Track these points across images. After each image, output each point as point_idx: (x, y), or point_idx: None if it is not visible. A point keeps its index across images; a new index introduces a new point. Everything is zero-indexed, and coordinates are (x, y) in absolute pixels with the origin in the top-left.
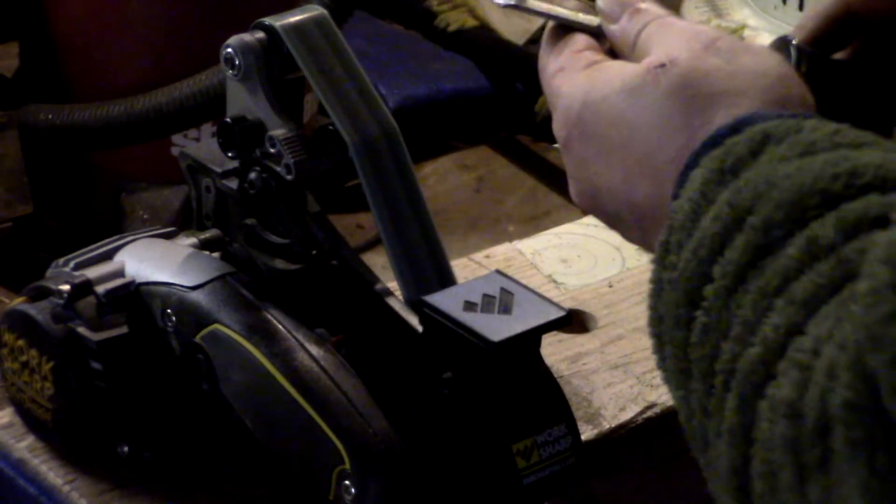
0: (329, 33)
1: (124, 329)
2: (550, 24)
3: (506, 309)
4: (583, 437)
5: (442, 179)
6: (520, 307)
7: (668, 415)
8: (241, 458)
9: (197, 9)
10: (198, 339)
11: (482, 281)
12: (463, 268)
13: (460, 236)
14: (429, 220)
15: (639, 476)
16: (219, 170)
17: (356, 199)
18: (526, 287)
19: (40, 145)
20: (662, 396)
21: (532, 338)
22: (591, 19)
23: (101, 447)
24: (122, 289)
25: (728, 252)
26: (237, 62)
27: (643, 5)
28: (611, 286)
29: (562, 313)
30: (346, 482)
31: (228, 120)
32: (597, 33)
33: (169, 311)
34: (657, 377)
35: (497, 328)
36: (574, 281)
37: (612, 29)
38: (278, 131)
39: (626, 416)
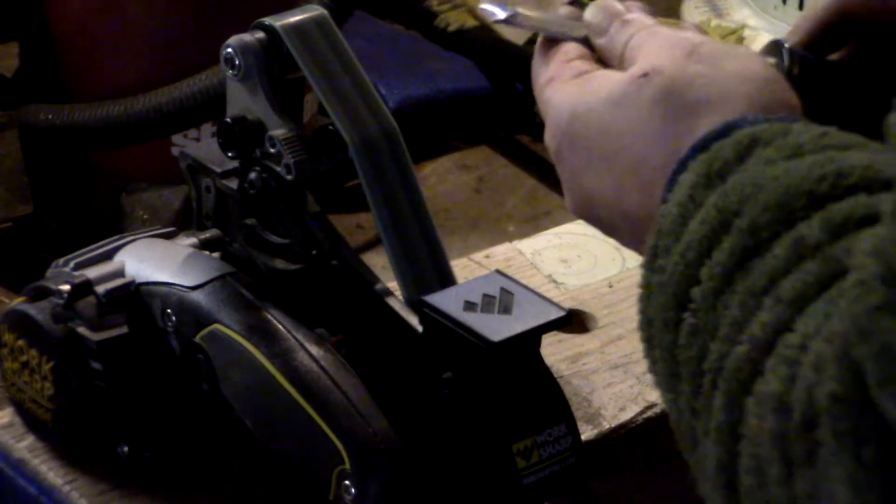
0: (329, 33)
1: (124, 329)
2: (543, 34)
3: (506, 309)
4: (583, 437)
5: (442, 179)
6: (520, 307)
7: (668, 415)
8: (241, 458)
9: (197, 9)
10: (198, 339)
11: (482, 281)
12: (463, 268)
13: (460, 236)
14: (429, 220)
15: (639, 476)
16: (219, 170)
17: (356, 199)
18: (526, 287)
19: (40, 145)
20: None
21: (532, 338)
22: (580, 31)
23: (101, 447)
24: (122, 289)
25: (715, 254)
26: (237, 62)
27: (630, 16)
28: (611, 286)
29: (562, 313)
30: (346, 482)
31: (228, 120)
32: (587, 43)
33: (169, 311)
34: None
35: (497, 328)
36: (574, 281)
37: (600, 41)
38: (278, 131)
39: (626, 416)
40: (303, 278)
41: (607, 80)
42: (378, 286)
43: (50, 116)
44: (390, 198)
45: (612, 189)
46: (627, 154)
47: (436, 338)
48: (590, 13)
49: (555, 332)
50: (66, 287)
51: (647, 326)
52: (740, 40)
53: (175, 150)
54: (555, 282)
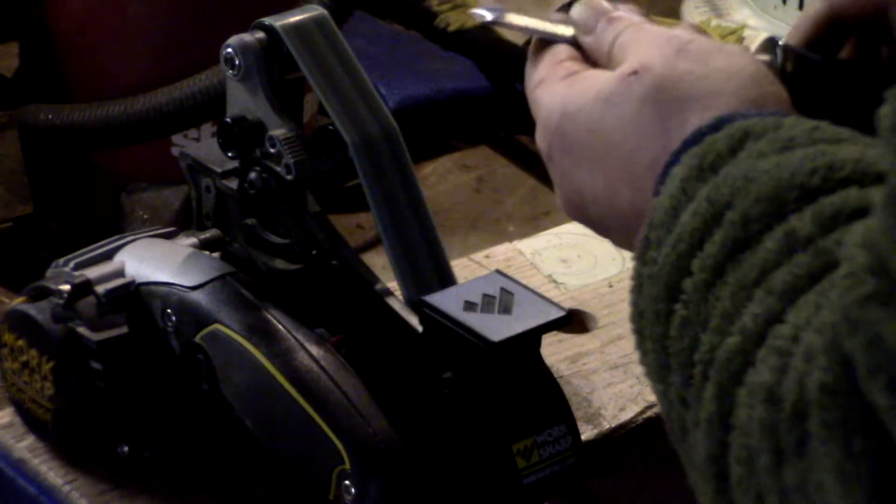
0: (329, 33)
1: (124, 329)
2: (535, 36)
3: (506, 309)
4: (583, 437)
5: (442, 179)
6: (520, 307)
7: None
8: (241, 458)
9: (197, 9)
10: (198, 339)
11: (482, 281)
12: (463, 268)
13: (460, 236)
14: (429, 220)
15: (639, 476)
16: (219, 170)
17: (356, 199)
18: (526, 287)
19: (40, 145)
20: None
21: (532, 338)
22: (569, 32)
23: (101, 447)
24: (122, 289)
25: (707, 246)
26: (237, 62)
27: (617, 14)
28: (611, 286)
29: (562, 313)
30: (346, 482)
31: (228, 120)
32: (577, 44)
33: (169, 311)
34: None
35: (497, 328)
36: (574, 281)
37: (587, 40)
38: (278, 131)
39: (626, 416)
40: (303, 278)
41: (597, 80)
42: (378, 286)
43: (50, 116)
44: (390, 198)
45: (604, 187)
46: (618, 151)
47: (436, 338)
48: (576, 11)
49: (555, 332)
50: (66, 287)
51: (639, 318)
52: (740, 40)
53: (175, 150)
54: (555, 282)
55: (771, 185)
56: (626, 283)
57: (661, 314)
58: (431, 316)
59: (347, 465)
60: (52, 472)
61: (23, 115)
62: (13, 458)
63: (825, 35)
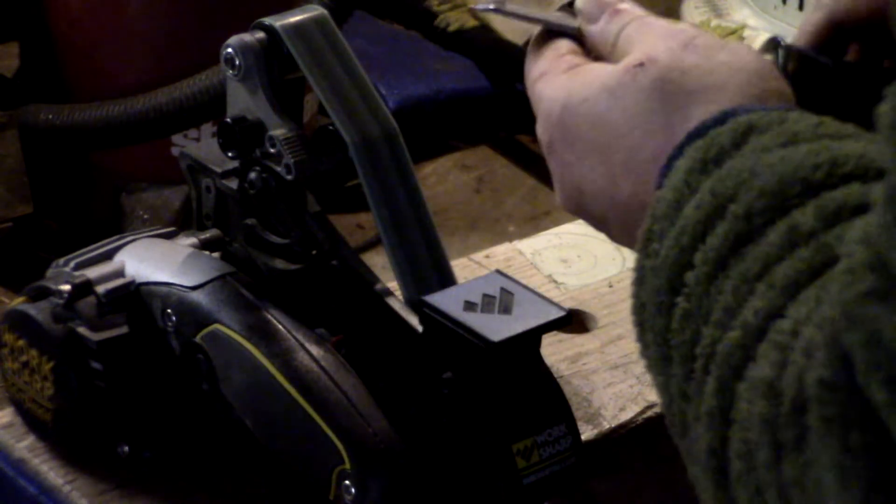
0: (329, 33)
1: (124, 329)
2: (536, 30)
3: (506, 309)
4: (583, 437)
5: (442, 179)
6: (520, 307)
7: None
8: (241, 458)
9: (197, 9)
10: (198, 339)
11: (482, 281)
12: (463, 268)
13: (460, 236)
14: (429, 220)
15: (639, 476)
16: (219, 170)
17: (356, 199)
18: (526, 287)
19: (40, 145)
20: None
21: (532, 338)
22: (570, 22)
23: (101, 447)
24: (122, 289)
25: (710, 239)
26: (237, 62)
27: (623, 6)
28: (611, 286)
29: (562, 313)
30: (346, 482)
31: (228, 120)
32: (578, 36)
33: (169, 311)
34: None
35: (497, 328)
36: (574, 281)
37: (592, 30)
38: (278, 131)
39: (626, 416)
40: (303, 278)
41: (601, 72)
42: (378, 286)
43: (50, 116)
44: (390, 198)
45: (605, 179)
46: (621, 143)
47: (436, 338)
48: (581, 1)
49: (555, 332)
50: (66, 287)
51: (640, 310)
52: (740, 40)
53: (175, 150)
54: (555, 282)
55: (774, 180)
56: (626, 283)
57: (662, 306)
58: (431, 316)
59: (347, 465)
60: (52, 472)
61: (23, 115)
62: (13, 458)
63: (828, 40)
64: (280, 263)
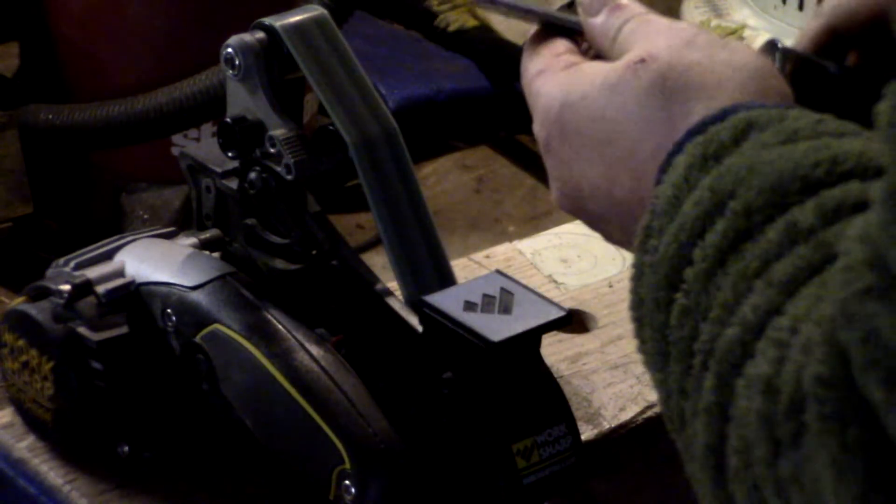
0: (329, 33)
1: (124, 329)
2: (532, 30)
3: (506, 309)
4: (583, 437)
5: (442, 179)
6: (520, 307)
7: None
8: (241, 458)
9: (197, 9)
10: (198, 339)
11: (482, 281)
12: (463, 268)
13: (460, 236)
14: (429, 220)
15: (639, 476)
16: (219, 170)
17: (356, 199)
18: (526, 287)
19: (40, 145)
20: None
21: (532, 338)
22: (567, 17)
23: (101, 447)
24: (122, 289)
25: (709, 235)
26: (237, 62)
27: (624, 2)
28: (611, 286)
29: (562, 313)
30: (346, 482)
31: (228, 120)
32: (575, 32)
33: (169, 311)
34: None
35: (497, 328)
36: (574, 281)
37: (593, 23)
38: (278, 131)
39: (626, 416)
40: (303, 278)
41: (601, 68)
42: (378, 286)
43: (50, 116)
44: (390, 198)
45: (604, 176)
46: (621, 139)
47: (436, 338)
48: None
49: (555, 332)
50: (66, 287)
51: (638, 306)
52: (740, 40)
53: (175, 150)
54: (555, 282)
55: (774, 177)
56: (627, 283)
57: (661, 302)
58: (431, 316)
59: (347, 465)
60: (52, 472)
61: (23, 115)
62: (13, 458)
63: (826, 47)
64: (280, 263)
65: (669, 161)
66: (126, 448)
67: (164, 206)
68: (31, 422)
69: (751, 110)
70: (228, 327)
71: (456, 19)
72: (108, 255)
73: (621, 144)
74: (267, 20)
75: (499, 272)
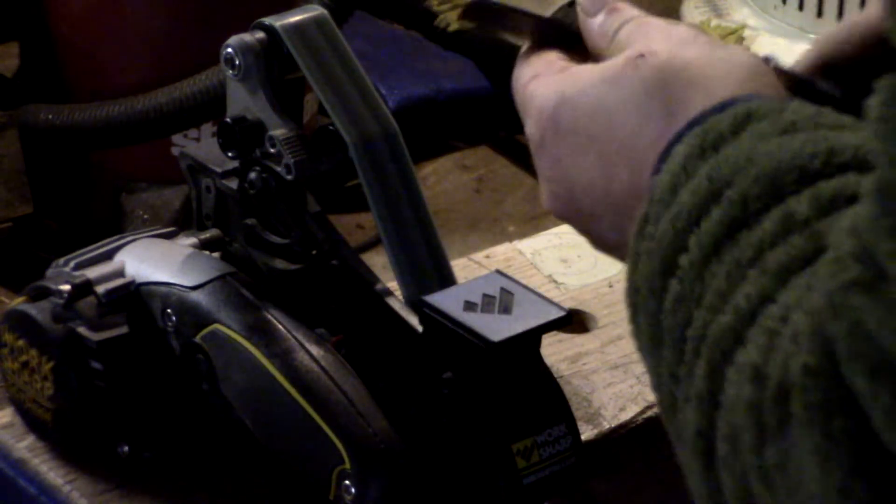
0: (329, 33)
1: (124, 329)
2: (525, 45)
3: (506, 309)
4: (583, 437)
5: (442, 179)
6: (520, 307)
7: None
8: (241, 458)
9: (197, 9)
10: (198, 339)
11: (482, 281)
12: (463, 268)
13: (460, 236)
14: (429, 220)
15: (639, 476)
16: (219, 170)
17: (356, 199)
18: (526, 287)
19: (40, 145)
20: None
21: (532, 338)
22: (562, 19)
23: (101, 447)
24: (122, 289)
25: (704, 223)
26: (237, 62)
27: (621, 4)
28: (611, 286)
29: (562, 313)
30: (346, 482)
31: (228, 120)
32: (571, 33)
33: (169, 311)
34: None
35: (497, 328)
36: (574, 281)
37: (591, 23)
38: (278, 131)
39: (626, 416)
40: (303, 278)
41: (598, 66)
42: (378, 286)
43: (50, 116)
44: (390, 198)
45: (600, 169)
46: (619, 132)
47: (436, 338)
48: None
49: (555, 332)
50: (66, 287)
51: (633, 293)
52: (740, 40)
53: (175, 150)
54: (555, 282)
55: (771, 167)
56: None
57: (655, 289)
58: (431, 316)
59: (347, 465)
60: (52, 472)
61: (23, 115)
62: (13, 458)
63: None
64: (280, 263)
65: (669, 151)
66: (126, 448)
67: (164, 206)
68: (31, 422)
69: (750, 102)
70: (228, 327)
71: (456, 19)
72: (108, 255)
73: (620, 136)
74: (267, 20)
75: (499, 272)
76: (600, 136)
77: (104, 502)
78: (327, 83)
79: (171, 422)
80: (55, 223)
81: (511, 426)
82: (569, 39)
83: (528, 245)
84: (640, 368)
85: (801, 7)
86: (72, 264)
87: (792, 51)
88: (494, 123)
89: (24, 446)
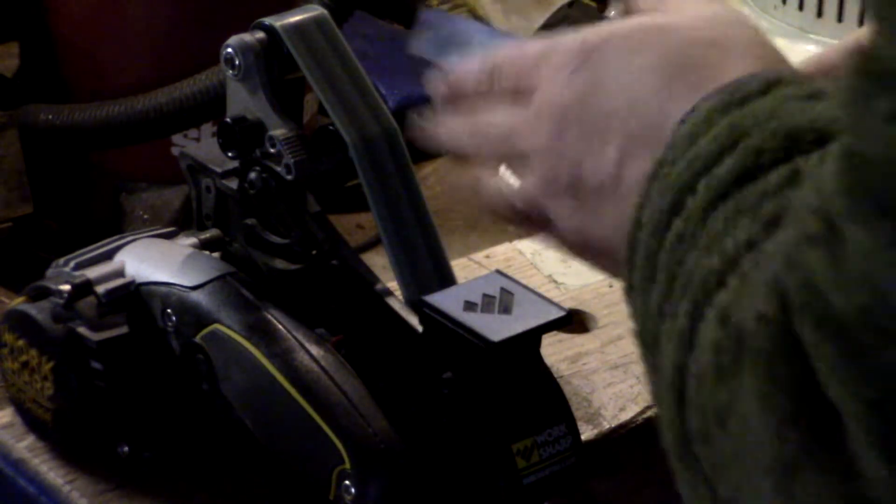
0: (329, 33)
1: (124, 329)
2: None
3: (506, 309)
4: (583, 437)
5: (442, 179)
6: (520, 307)
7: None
8: (241, 458)
9: (197, 9)
10: (198, 339)
11: (482, 281)
12: (463, 268)
13: (460, 236)
14: (429, 220)
15: (639, 476)
16: (219, 170)
17: (356, 199)
18: (526, 287)
19: (40, 145)
20: None
21: (532, 338)
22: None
23: (101, 447)
24: (122, 289)
25: (717, 169)
26: (237, 62)
27: None
28: (611, 286)
29: (562, 313)
30: (346, 482)
31: (228, 120)
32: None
33: (169, 310)
34: None
35: (497, 328)
36: (574, 281)
37: None
38: (278, 131)
39: (626, 416)
40: (303, 278)
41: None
42: (378, 286)
43: (50, 116)
44: (390, 198)
45: (620, 149)
46: (641, 108)
47: (436, 338)
48: None
49: (555, 332)
50: (66, 287)
51: (637, 229)
52: None
53: (175, 150)
54: (555, 282)
55: (791, 124)
56: None
57: (659, 226)
58: (431, 316)
59: (347, 465)
60: (52, 472)
61: (23, 115)
62: (13, 458)
63: None
64: (280, 263)
65: (693, 110)
66: (126, 448)
67: (164, 206)
68: (31, 422)
69: (781, 71)
70: (228, 327)
71: None
72: (108, 255)
73: (642, 113)
74: (267, 20)
75: (499, 272)
76: (623, 114)
77: (104, 502)
78: (327, 83)
79: (171, 422)
80: (55, 223)
81: (511, 426)
82: None
83: (528, 245)
84: (640, 368)
85: (801, 7)
86: (72, 264)
87: (792, 51)
88: None
89: (24, 446)
